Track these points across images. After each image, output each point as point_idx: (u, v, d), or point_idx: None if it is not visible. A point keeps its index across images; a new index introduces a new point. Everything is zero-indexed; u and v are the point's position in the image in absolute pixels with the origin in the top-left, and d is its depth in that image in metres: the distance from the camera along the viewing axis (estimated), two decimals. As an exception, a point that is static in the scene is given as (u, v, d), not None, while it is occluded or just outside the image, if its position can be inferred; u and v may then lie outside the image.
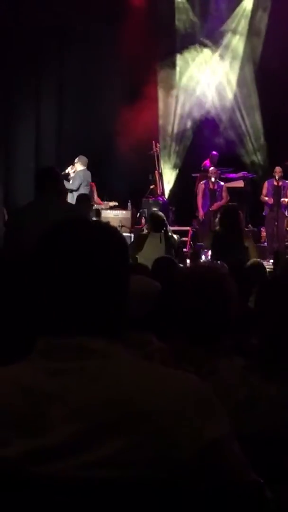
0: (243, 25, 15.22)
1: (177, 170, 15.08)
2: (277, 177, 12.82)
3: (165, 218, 9.81)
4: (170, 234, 9.55)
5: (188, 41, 15.20)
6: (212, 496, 1.38)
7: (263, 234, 13.89)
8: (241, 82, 15.29)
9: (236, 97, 15.37)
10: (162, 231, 9.23)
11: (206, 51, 15.28)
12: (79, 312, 1.45)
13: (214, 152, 13.83)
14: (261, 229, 14.17)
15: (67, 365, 1.43)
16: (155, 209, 13.58)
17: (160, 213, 9.99)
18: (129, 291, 1.55)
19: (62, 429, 1.38)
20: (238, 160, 14.87)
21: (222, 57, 15.30)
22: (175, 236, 10.04)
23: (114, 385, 1.42)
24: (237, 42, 15.27)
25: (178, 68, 15.32)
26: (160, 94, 15.36)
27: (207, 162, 13.70)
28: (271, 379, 2.02)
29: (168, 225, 9.81)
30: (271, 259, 11.88)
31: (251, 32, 15.11)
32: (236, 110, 15.38)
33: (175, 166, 15.13)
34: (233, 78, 15.31)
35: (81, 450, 1.37)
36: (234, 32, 15.23)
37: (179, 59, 15.28)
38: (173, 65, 15.25)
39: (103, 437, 1.37)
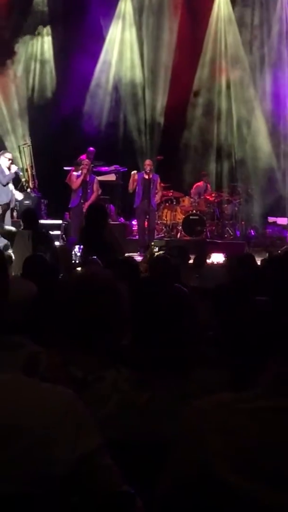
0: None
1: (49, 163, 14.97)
2: (147, 170, 13.08)
3: (34, 214, 9.76)
4: (43, 230, 9.47)
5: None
6: (85, 507, 1.38)
7: (135, 227, 14.07)
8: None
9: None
10: (32, 228, 9.12)
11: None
12: None
13: (91, 148, 13.88)
14: (133, 222, 14.35)
15: None
16: (27, 202, 13.44)
17: (31, 209, 9.85)
18: (5, 294, 1.53)
19: None
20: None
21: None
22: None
23: None
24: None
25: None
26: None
27: (83, 156, 13.68)
28: (142, 387, 2.03)
29: (38, 221, 9.68)
30: (141, 252, 12.09)
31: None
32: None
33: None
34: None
35: None
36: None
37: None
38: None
39: None
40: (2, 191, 12.05)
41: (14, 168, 12.22)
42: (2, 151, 12.56)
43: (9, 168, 12.12)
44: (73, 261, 7.92)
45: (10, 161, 12.21)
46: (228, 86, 16.11)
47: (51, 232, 11.58)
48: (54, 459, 1.37)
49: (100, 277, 2.44)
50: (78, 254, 7.97)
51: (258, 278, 4.83)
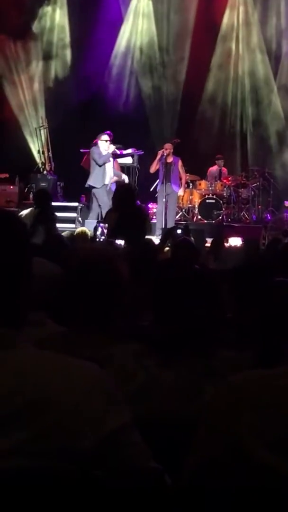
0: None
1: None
2: (166, 153, 13.04)
3: (44, 194, 9.79)
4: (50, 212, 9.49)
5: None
6: (114, 483, 1.39)
7: (151, 210, 14.05)
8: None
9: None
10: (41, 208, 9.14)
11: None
12: None
13: (108, 131, 13.82)
14: (149, 205, 14.33)
15: None
16: (43, 184, 13.45)
17: (42, 190, 9.84)
18: (31, 276, 1.53)
19: None
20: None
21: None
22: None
23: (15, 376, 1.41)
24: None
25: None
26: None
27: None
28: (167, 365, 2.04)
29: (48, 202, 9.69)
30: (159, 234, 12.08)
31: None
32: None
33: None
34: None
35: None
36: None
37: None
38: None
39: (6, 428, 1.37)
40: (98, 173, 11.99)
41: (112, 148, 12.09)
42: (99, 134, 12.39)
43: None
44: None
45: (108, 142, 12.09)
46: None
47: (68, 214, 11.58)
48: (83, 434, 1.38)
49: (97, 255, 2.46)
50: (100, 234, 7.94)
51: (278, 261, 4.83)
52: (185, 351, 2.10)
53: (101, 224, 8.10)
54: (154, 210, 13.75)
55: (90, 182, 12.16)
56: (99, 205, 12.03)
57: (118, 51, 16.31)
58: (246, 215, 15.00)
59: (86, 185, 12.31)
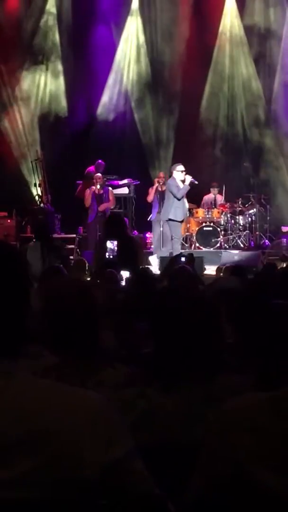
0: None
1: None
2: (161, 183, 13.15)
3: (44, 225, 9.82)
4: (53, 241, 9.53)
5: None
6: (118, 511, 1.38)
7: (149, 240, 14.09)
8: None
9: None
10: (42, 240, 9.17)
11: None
12: None
13: (100, 161, 13.89)
14: (146, 235, 14.37)
15: None
16: (40, 217, 13.49)
17: (40, 221, 9.89)
18: (29, 308, 1.54)
19: None
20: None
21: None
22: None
23: (17, 405, 1.40)
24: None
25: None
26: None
27: (91, 168, 13.72)
28: (168, 392, 2.04)
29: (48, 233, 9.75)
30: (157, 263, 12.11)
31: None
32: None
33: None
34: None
35: None
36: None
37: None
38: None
39: (7, 459, 1.36)
40: (178, 206, 11.91)
41: (188, 179, 11.92)
42: (174, 165, 12.36)
43: (183, 181, 11.91)
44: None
45: (184, 173, 11.96)
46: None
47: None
48: (84, 464, 1.37)
49: (68, 287, 2.50)
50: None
51: (276, 286, 4.83)
52: (185, 377, 2.10)
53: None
54: (151, 239, 13.80)
55: (171, 215, 12.00)
56: (172, 238, 12.09)
57: (111, 81, 16.46)
58: (244, 242, 15.03)
59: (165, 219, 12.18)
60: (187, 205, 12.38)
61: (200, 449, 1.42)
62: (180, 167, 12.09)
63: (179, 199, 11.93)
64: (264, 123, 16.20)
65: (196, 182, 12.30)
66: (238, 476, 1.21)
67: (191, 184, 12.05)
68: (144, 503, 1.41)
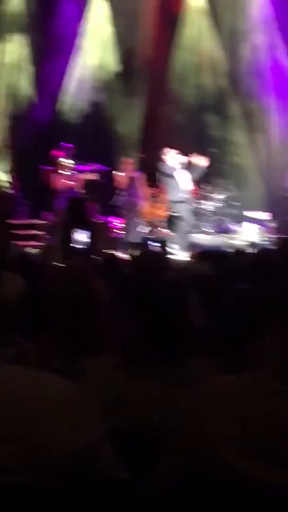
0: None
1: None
2: (129, 168, 13.15)
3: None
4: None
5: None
6: (88, 496, 1.39)
7: (116, 225, 14.06)
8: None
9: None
10: None
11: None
12: None
13: (68, 146, 13.81)
14: (114, 220, 14.35)
15: None
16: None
17: None
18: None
19: None
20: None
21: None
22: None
23: None
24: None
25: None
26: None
27: (59, 153, 13.62)
28: (140, 377, 2.05)
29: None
30: (124, 249, 12.11)
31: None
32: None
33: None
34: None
35: None
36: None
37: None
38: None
39: None
40: (174, 187, 12.52)
41: (181, 158, 12.62)
42: (165, 150, 12.91)
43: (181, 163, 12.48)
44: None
45: (174, 152, 12.65)
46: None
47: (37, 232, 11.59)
48: (55, 450, 1.38)
49: (71, 272, 2.47)
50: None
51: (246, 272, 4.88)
52: (156, 362, 2.11)
53: None
54: (118, 224, 13.79)
55: (170, 196, 12.83)
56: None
57: (76, 66, 16.31)
58: (211, 227, 15.10)
59: (168, 202, 12.89)
60: (186, 185, 12.64)
61: (170, 433, 1.44)
62: (173, 151, 12.61)
63: (172, 181, 12.56)
64: (233, 95, 16.11)
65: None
66: (208, 460, 1.23)
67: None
68: (114, 489, 1.43)
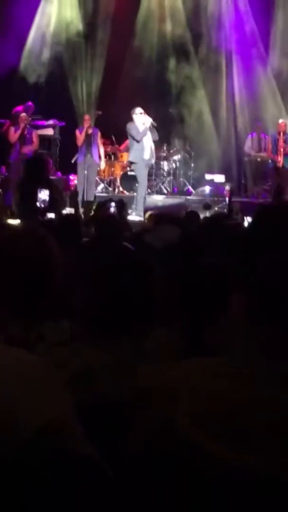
0: None
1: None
2: (86, 125, 13.07)
3: None
4: None
5: None
6: (51, 472, 1.37)
7: (73, 182, 13.96)
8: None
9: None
10: None
11: None
12: None
13: (29, 103, 13.62)
14: (70, 177, 14.24)
15: None
16: None
17: None
18: None
19: None
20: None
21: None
22: None
23: None
24: None
25: None
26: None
27: (19, 107, 13.41)
28: (100, 347, 2.03)
29: None
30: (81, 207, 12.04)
31: None
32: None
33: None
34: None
35: None
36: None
37: None
38: None
39: None
40: (137, 149, 12.30)
41: (148, 120, 12.34)
42: (133, 109, 12.58)
43: (144, 124, 12.31)
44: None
45: (143, 114, 12.40)
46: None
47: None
48: (19, 426, 1.36)
49: (25, 233, 2.37)
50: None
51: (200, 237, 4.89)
52: (115, 332, 2.09)
53: None
54: (75, 181, 13.68)
55: (130, 158, 12.67)
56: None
57: (36, 22, 15.95)
58: (168, 187, 15.09)
59: (126, 161, 13.16)
60: (151, 146, 12.56)
61: (135, 409, 1.43)
62: (139, 110, 12.51)
63: (138, 141, 12.33)
64: (194, 57, 16.00)
65: (155, 124, 12.64)
66: (176, 439, 1.23)
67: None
68: (79, 464, 1.41)
